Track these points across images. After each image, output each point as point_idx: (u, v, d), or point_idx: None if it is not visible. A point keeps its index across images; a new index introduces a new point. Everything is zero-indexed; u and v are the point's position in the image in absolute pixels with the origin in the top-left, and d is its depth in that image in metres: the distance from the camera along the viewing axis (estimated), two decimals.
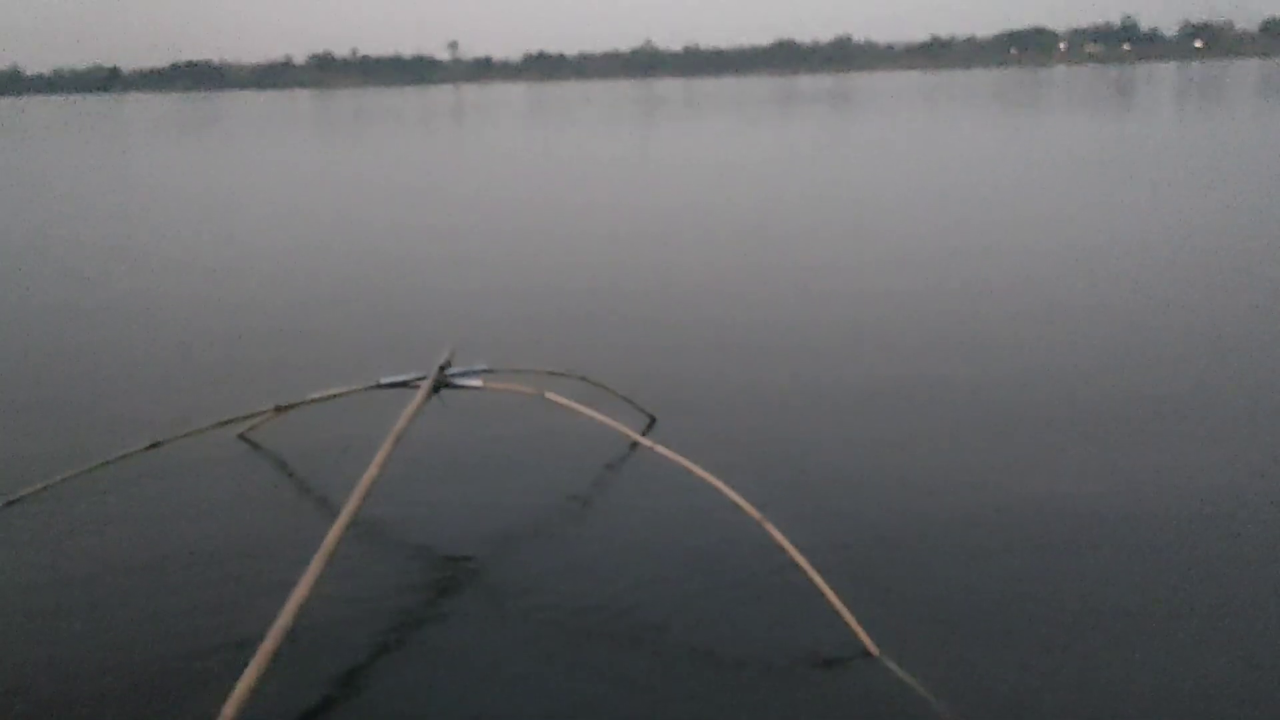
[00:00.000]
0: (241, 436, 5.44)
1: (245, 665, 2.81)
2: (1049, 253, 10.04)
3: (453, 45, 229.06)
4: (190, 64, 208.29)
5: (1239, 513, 4.27)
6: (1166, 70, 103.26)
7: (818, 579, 3.54)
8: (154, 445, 4.65)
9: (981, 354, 6.68)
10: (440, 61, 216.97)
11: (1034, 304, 7.95)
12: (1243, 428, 5.21)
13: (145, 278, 10.36)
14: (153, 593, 3.85)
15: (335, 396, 5.12)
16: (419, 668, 3.35)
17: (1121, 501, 4.41)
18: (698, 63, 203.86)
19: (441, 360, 4.83)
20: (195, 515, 4.53)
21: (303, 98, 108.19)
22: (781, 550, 3.66)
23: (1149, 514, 4.29)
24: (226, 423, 5.09)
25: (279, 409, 5.24)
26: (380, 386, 4.86)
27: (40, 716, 3.13)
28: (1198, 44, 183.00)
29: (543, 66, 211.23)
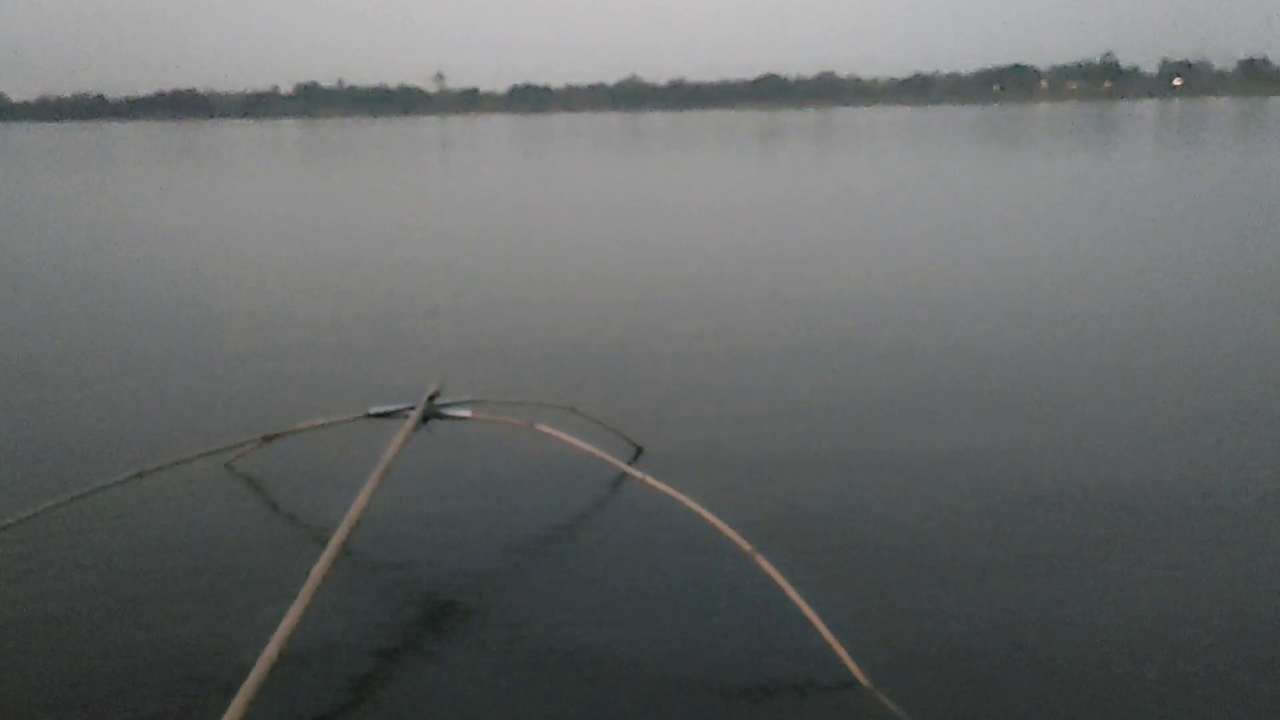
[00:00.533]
0: (228, 466, 5.41)
1: (231, 698, 2.79)
2: (1027, 287, 10.12)
3: (439, 77, 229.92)
4: (176, 92, 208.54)
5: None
6: (1147, 108, 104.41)
7: (808, 610, 3.54)
8: (139, 475, 4.63)
9: (975, 381, 6.71)
10: (426, 93, 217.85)
11: (1016, 335, 8.00)
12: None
13: (129, 306, 10.32)
14: (136, 626, 3.82)
15: (323, 426, 5.11)
16: (406, 700, 3.32)
17: (1125, 536, 4.43)
18: (683, 96, 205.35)
19: (430, 391, 4.83)
20: (181, 546, 4.50)
21: (289, 128, 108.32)
22: (771, 581, 3.66)
23: (1146, 548, 4.31)
24: (213, 452, 5.07)
25: (266, 438, 5.22)
26: (369, 417, 4.85)
27: None
28: (1177, 82, 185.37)
29: (529, 98, 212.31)
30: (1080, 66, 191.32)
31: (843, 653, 3.41)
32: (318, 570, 3.28)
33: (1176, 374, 6.86)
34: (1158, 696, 3.26)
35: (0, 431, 6.22)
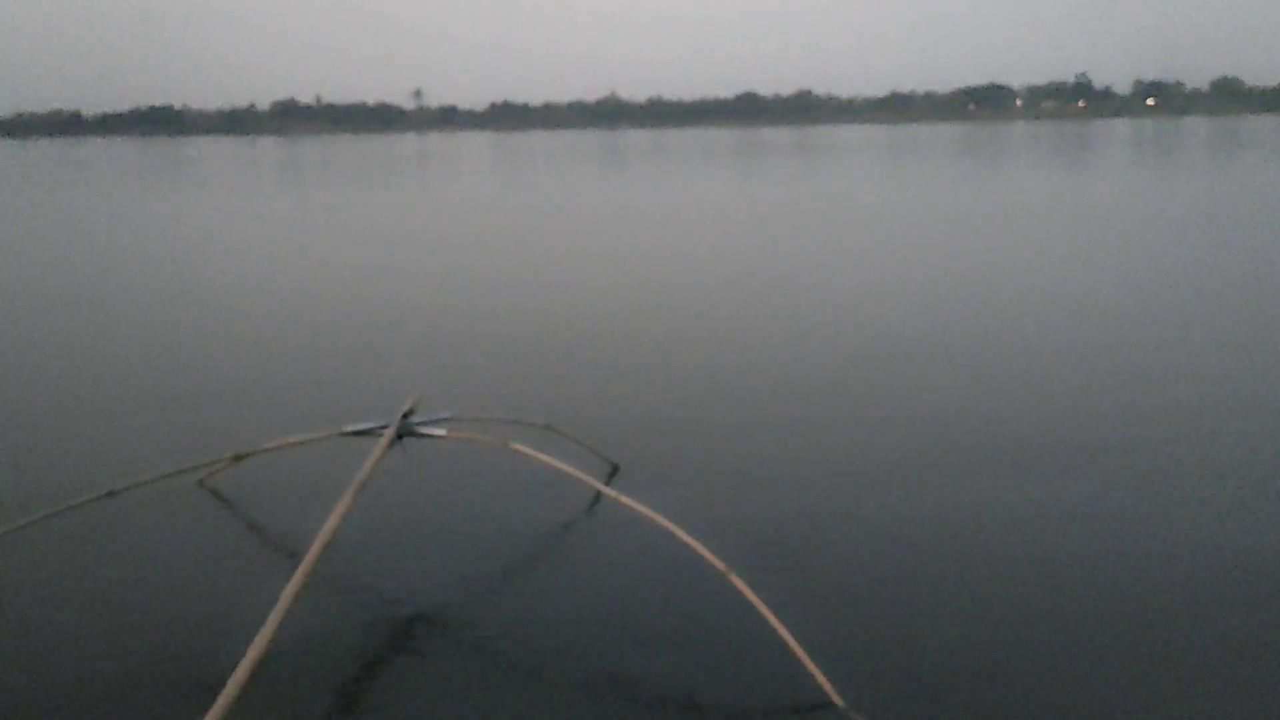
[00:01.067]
0: (200, 484, 5.37)
1: (203, 716, 2.76)
2: (1006, 302, 10.18)
3: (417, 93, 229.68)
4: (152, 109, 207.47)
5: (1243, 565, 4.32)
6: (1121, 126, 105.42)
7: (781, 629, 3.53)
8: (110, 494, 4.58)
9: (951, 397, 6.73)
10: (405, 110, 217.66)
11: (995, 348, 8.04)
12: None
13: (100, 321, 10.24)
14: (106, 644, 3.78)
15: (296, 444, 5.08)
16: (377, 718, 3.30)
17: (1101, 559, 4.44)
18: (662, 114, 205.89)
19: (405, 409, 4.81)
20: (151, 565, 4.47)
21: (266, 145, 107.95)
22: (745, 600, 3.65)
23: (1120, 568, 4.33)
24: (185, 471, 5.03)
25: (238, 457, 5.19)
26: (343, 435, 4.82)
27: None
28: (1150, 102, 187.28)
29: (508, 115, 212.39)
30: (1055, 86, 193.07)
31: (817, 672, 3.41)
32: (290, 589, 3.26)
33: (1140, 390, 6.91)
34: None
35: None
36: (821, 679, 3.39)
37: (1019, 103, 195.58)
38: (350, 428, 4.79)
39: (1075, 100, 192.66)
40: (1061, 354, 8.02)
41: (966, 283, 11.75)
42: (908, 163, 42.86)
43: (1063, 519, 4.80)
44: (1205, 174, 30.75)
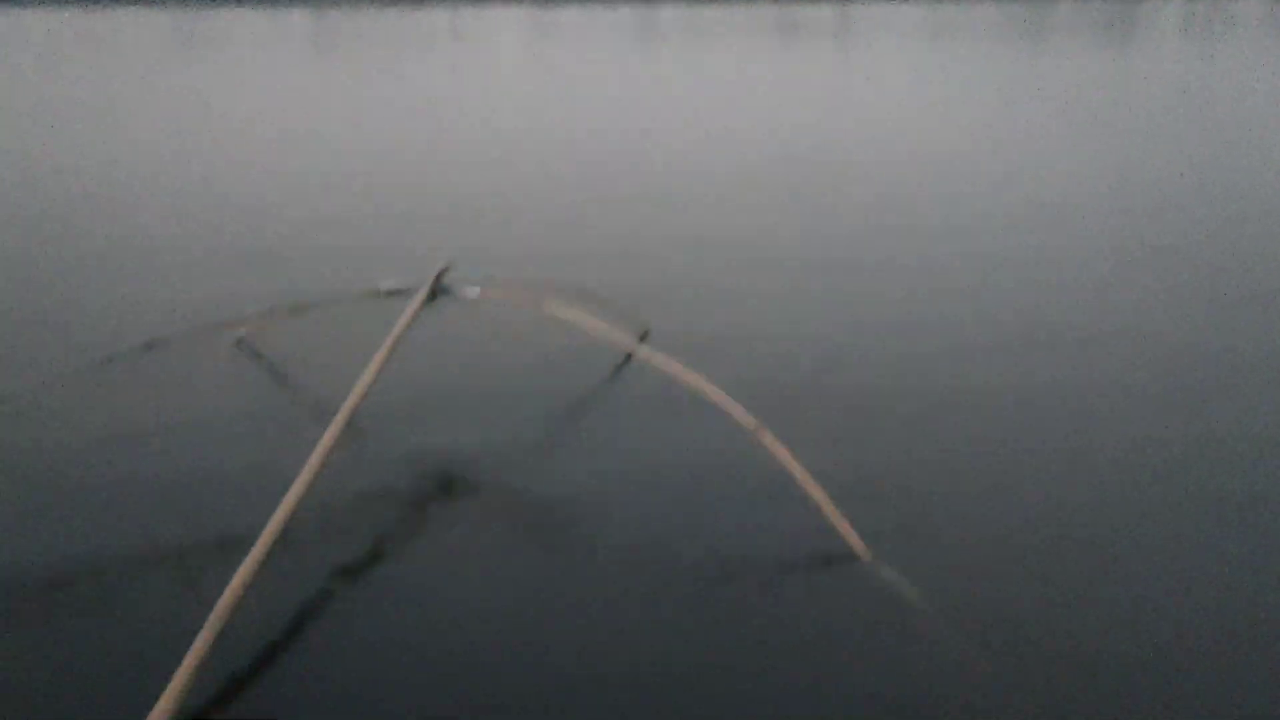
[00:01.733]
0: (238, 341, 5.44)
1: (237, 565, 2.82)
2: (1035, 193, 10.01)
3: None
4: None
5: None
6: (1171, 9, 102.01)
7: (810, 485, 3.56)
8: (148, 346, 4.63)
9: (979, 260, 6.68)
10: None
11: (1020, 230, 7.94)
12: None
13: (145, 178, 10.27)
14: (138, 494, 3.85)
15: (332, 303, 5.12)
16: (409, 570, 3.36)
17: (1130, 414, 4.45)
18: None
19: (439, 269, 4.83)
20: (188, 417, 4.53)
21: (297, 19, 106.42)
22: (776, 457, 3.68)
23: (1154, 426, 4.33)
24: (222, 326, 5.09)
25: (277, 313, 5.24)
26: (378, 295, 4.85)
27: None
28: None
29: None
30: None
31: (845, 527, 3.46)
32: (323, 443, 3.32)
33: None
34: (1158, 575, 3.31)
35: (11, 300, 6.25)
36: (850, 533, 3.44)
37: None
38: (385, 286, 4.82)
39: None
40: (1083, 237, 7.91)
41: (1006, 160, 11.55)
42: (957, 44, 41.77)
43: (1090, 391, 4.79)
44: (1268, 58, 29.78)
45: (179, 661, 2.75)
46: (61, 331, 5.66)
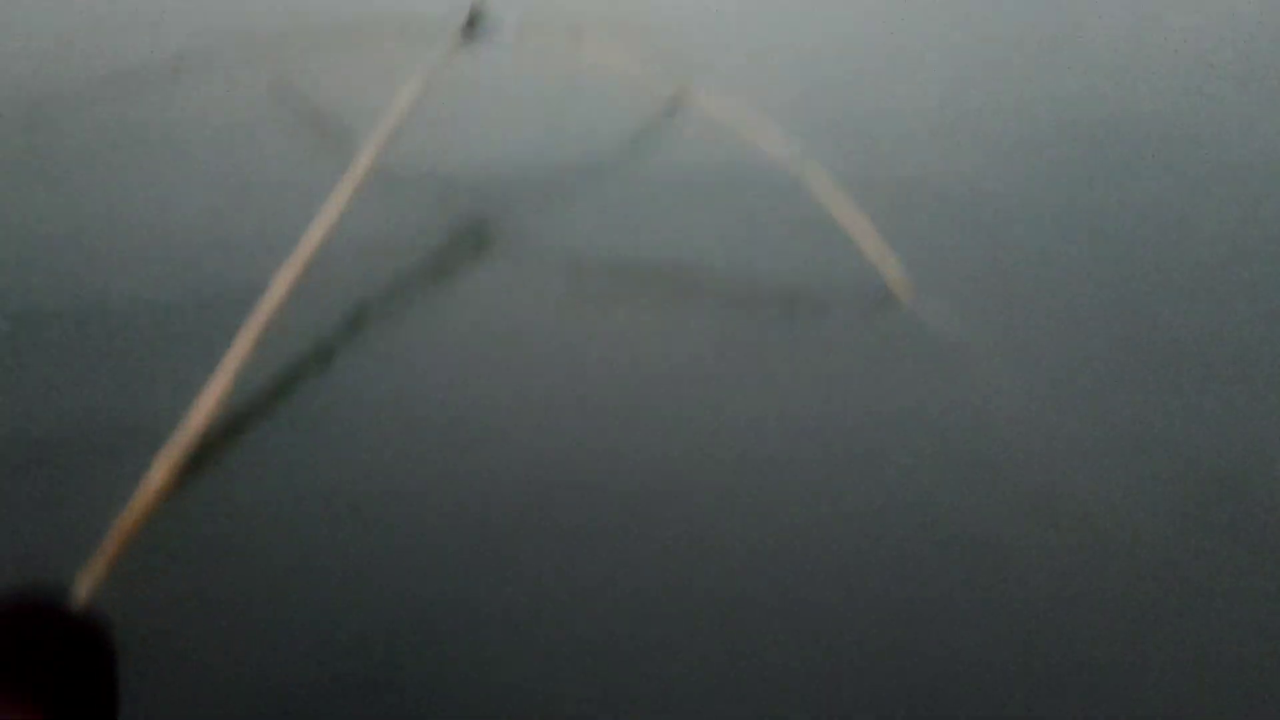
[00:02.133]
0: (266, 73, 5.25)
1: (260, 297, 2.74)
2: None
3: None
4: None
5: None
6: None
7: (852, 227, 3.50)
8: (175, 69, 4.45)
9: None
10: None
11: None
12: None
13: None
14: (158, 228, 3.73)
15: (364, 38, 4.91)
16: (429, 315, 3.34)
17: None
18: None
19: (474, 7, 4.61)
20: (211, 147, 4.39)
21: None
22: (820, 194, 3.59)
23: None
24: (251, 56, 4.90)
25: (306, 47, 5.04)
26: (410, 32, 4.67)
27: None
28: None
29: None
30: None
31: (887, 270, 3.41)
32: (348, 180, 3.21)
33: None
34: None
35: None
36: (891, 276, 3.40)
37: None
38: (419, 24, 4.63)
39: None
40: None
41: None
42: None
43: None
44: None
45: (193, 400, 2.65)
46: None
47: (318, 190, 3.79)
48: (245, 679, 1.97)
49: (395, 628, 2.09)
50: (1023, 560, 2.34)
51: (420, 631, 2.07)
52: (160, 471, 2.24)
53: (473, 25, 4.49)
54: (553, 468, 2.60)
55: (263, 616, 2.09)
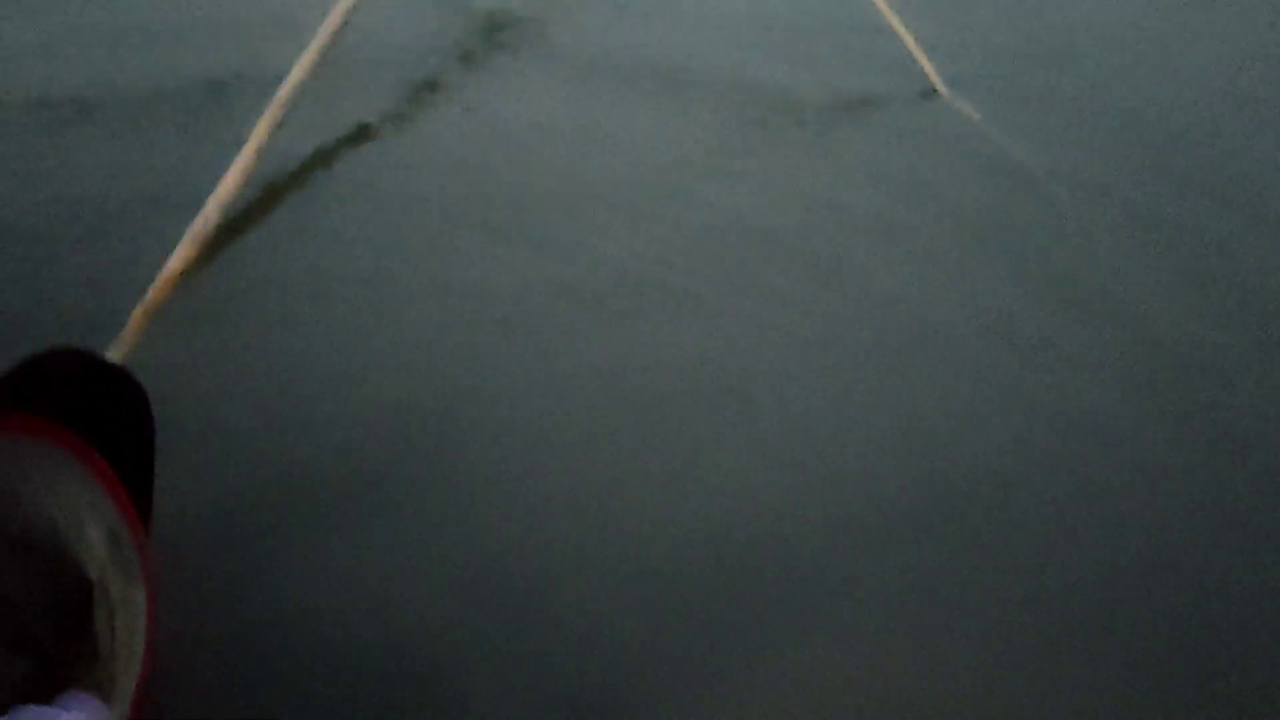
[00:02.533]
0: None
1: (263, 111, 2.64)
2: None
3: None
4: None
5: None
6: None
7: (897, 25, 3.41)
8: None
9: None
10: None
11: None
12: None
13: None
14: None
15: None
16: (446, 122, 3.23)
17: None
18: None
19: None
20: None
21: None
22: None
23: None
24: None
25: None
26: None
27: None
28: None
29: None
30: None
31: (928, 66, 3.39)
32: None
33: None
34: None
35: None
36: (931, 72, 3.38)
37: None
38: None
39: None
40: None
41: None
42: None
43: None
44: None
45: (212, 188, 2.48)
46: None
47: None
48: (268, 449, 1.95)
49: (409, 402, 2.05)
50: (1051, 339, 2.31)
51: (440, 399, 2.06)
52: (185, 247, 2.27)
53: None
54: (576, 251, 2.52)
55: (283, 386, 2.07)
